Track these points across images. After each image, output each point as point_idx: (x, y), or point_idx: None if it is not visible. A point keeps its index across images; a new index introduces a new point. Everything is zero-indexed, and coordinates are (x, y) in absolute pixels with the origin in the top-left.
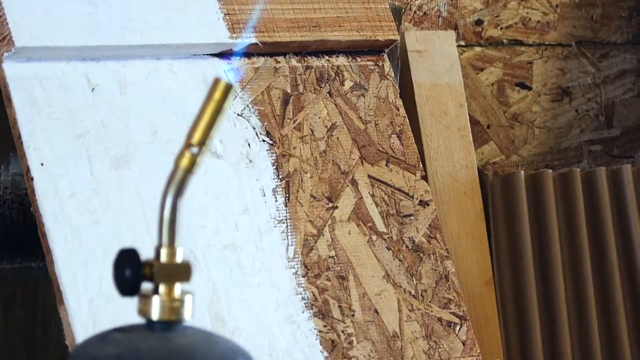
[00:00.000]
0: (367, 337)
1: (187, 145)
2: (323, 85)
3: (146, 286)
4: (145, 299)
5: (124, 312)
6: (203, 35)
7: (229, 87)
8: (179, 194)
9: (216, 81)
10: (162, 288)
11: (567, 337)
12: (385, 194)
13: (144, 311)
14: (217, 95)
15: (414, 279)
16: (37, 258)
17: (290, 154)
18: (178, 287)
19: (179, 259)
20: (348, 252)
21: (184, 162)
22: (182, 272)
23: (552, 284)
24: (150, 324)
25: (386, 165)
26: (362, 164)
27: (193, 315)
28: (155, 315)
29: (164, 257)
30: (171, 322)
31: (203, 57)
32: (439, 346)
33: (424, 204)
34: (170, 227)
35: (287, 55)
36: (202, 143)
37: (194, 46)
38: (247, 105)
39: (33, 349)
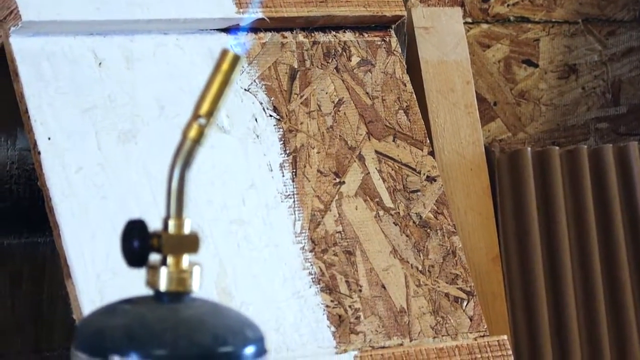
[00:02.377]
0: (374, 313)
1: (195, 116)
2: (330, 61)
3: (154, 257)
4: (153, 270)
5: (132, 286)
6: (210, 10)
7: (236, 58)
8: (187, 165)
9: (224, 52)
10: (170, 259)
11: (573, 313)
12: (392, 169)
13: (152, 282)
14: (225, 66)
15: (421, 255)
16: (44, 233)
17: (297, 129)
18: (186, 259)
19: (186, 230)
20: (355, 227)
21: (192, 133)
22: (190, 243)
23: (559, 260)
24: (158, 295)
25: (393, 140)
26: (369, 140)
27: (200, 290)
28: (163, 286)
29: (171, 228)
30: (179, 293)
31: (210, 32)
32: (446, 321)
33: (431, 179)
34: (178, 198)
35: (294, 31)
36: (210, 114)
37: (201, 21)
38: (254, 81)
39: (40, 323)
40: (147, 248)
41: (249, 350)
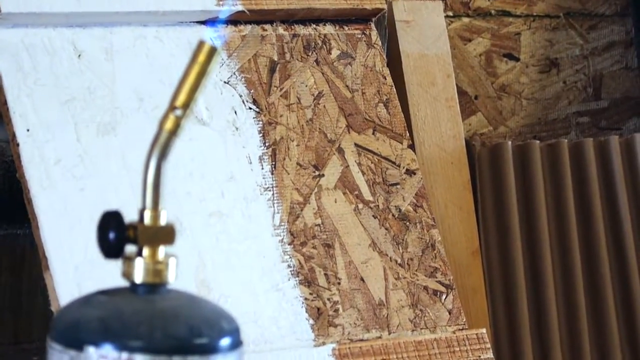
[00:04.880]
0: (352, 305)
1: (172, 107)
2: (310, 54)
3: (130, 249)
4: (129, 261)
5: (110, 278)
6: (189, 2)
7: (213, 50)
8: (163, 156)
9: (200, 44)
10: (146, 251)
11: (553, 307)
12: (371, 162)
13: (127, 274)
14: (202, 58)
15: (400, 248)
16: (23, 225)
17: (276, 122)
18: (162, 250)
19: (162, 221)
20: (334, 220)
21: (168, 124)
22: (166, 234)
23: (539, 254)
24: (134, 286)
25: (373, 133)
26: (349, 133)
27: (179, 282)
28: (139, 278)
29: (147, 220)
30: (155, 285)
31: (189, 25)
32: (425, 314)
33: (410, 172)
34: (154, 190)
35: (274, 23)
36: (186, 106)
37: (181, 13)
38: (234, 73)
39: (19, 315)
40: (123, 239)
41: (225, 341)
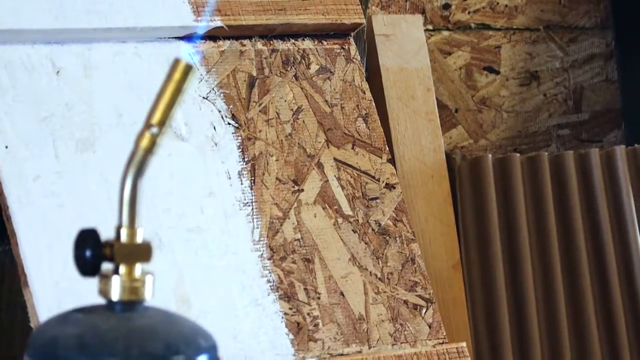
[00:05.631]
0: (332, 320)
1: (147, 125)
2: (289, 69)
3: (107, 266)
4: (106, 279)
5: (89, 294)
6: (168, 18)
7: (188, 68)
8: (139, 174)
9: (176, 62)
10: (122, 268)
11: (534, 319)
12: (351, 177)
13: (104, 291)
14: (177, 75)
15: (379, 262)
16: (2, 241)
17: (255, 137)
18: (139, 268)
19: (139, 239)
20: (314, 235)
21: (144, 142)
22: (143, 252)
23: (520, 267)
24: (110, 304)
25: (352, 148)
26: (328, 147)
27: (158, 298)
28: (115, 295)
29: (124, 237)
30: (132, 302)
31: (168, 40)
32: (405, 329)
33: (390, 187)
34: (130, 208)
35: (253, 39)
36: (162, 123)
37: (159, 29)
38: (213, 89)
39: None
40: (100, 257)
41: (202, 359)
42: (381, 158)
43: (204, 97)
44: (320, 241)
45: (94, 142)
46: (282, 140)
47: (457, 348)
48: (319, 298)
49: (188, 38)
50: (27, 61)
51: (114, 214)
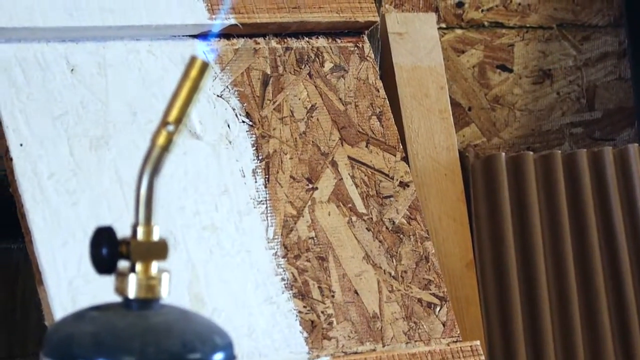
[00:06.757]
0: (346, 318)
1: (164, 123)
2: (303, 67)
3: (123, 264)
4: (122, 277)
5: (103, 292)
6: (182, 16)
7: (205, 65)
8: (156, 172)
9: (193, 59)
10: (138, 266)
11: (547, 317)
12: (365, 175)
13: (120, 289)
14: (194, 73)
15: (393, 260)
16: (17, 239)
17: (270, 135)
18: (155, 265)
19: (155, 237)
20: (328, 233)
21: (161, 139)
22: (159, 250)
23: (533, 265)
24: (127, 302)
25: (366, 146)
26: (342, 145)
27: (172, 296)
28: (132, 293)
29: (140, 235)
30: (148, 300)
31: (182, 38)
32: (419, 327)
33: (404, 185)
34: (146, 205)
35: (267, 37)
36: (178, 121)
37: (173, 27)
38: (227, 87)
39: (13, 329)
40: (116, 255)
41: (218, 356)
42: (395, 156)
43: (218, 95)
44: (334, 239)
45: (109, 139)
46: (296, 138)
47: (471, 346)
48: (333, 296)
49: (202, 36)
50: (41, 59)
51: (128, 212)
